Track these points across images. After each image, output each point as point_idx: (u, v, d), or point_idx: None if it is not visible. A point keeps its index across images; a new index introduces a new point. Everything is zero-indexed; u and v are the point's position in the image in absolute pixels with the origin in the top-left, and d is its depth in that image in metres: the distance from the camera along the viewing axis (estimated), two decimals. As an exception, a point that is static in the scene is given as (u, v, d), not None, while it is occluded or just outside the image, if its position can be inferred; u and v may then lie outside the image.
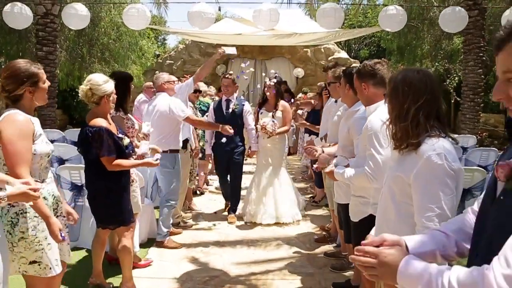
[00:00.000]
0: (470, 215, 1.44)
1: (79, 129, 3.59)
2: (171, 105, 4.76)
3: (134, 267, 4.17)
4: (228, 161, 5.80)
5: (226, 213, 6.09)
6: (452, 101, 14.09)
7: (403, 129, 1.91)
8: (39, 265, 2.52)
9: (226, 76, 5.84)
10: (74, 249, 4.03)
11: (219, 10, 22.45)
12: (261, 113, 5.81)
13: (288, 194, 5.85)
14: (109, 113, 3.53)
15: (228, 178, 5.97)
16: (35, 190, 2.06)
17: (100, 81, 3.32)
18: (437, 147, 1.84)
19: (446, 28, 7.35)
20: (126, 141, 3.47)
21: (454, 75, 14.16)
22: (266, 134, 5.60)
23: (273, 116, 5.66)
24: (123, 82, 3.95)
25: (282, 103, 5.86)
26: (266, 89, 5.81)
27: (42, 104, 2.68)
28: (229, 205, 6.01)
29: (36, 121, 2.59)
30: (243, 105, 5.86)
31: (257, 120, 5.84)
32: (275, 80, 5.78)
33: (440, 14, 7.94)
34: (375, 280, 1.42)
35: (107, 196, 3.44)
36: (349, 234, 3.43)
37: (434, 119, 1.91)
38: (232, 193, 5.97)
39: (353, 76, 3.03)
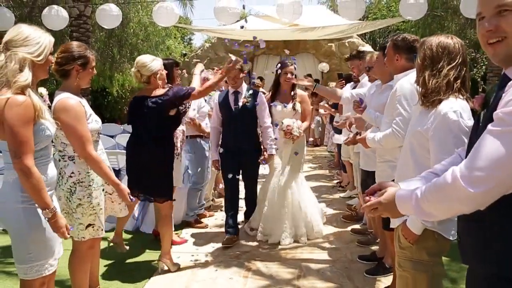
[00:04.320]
0: (463, 152, 1.63)
1: (111, 123, 3.93)
2: None
3: (171, 244, 4.48)
4: (239, 168, 4.67)
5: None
6: (480, 90, 13.95)
7: (434, 86, 2.09)
8: (92, 227, 2.85)
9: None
10: (112, 229, 4.35)
11: (244, 8, 22.62)
12: (275, 106, 4.71)
13: (311, 207, 4.78)
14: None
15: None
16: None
17: (147, 61, 3.61)
18: (454, 105, 2.03)
19: (467, 14, 7.35)
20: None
21: (482, 64, 14.04)
22: (290, 140, 4.53)
23: (294, 108, 4.63)
24: (168, 67, 4.29)
25: (300, 92, 4.80)
26: (285, 75, 4.62)
27: (85, 86, 2.96)
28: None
29: (85, 102, 2.87)
30: (257, 96, 4.61)
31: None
32: (296, 65, 4.70)
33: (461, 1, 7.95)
34: (382, 215, 1.64)
35: (163, 166, 3.66)
36: None
37: (460, 81, 2.10)
38: (247, 204, 4.97)
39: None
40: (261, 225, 4.67)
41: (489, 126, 1.22)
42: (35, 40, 2.17)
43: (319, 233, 4.72)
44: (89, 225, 2.84)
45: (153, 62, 3.62)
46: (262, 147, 4.69)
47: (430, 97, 2.10)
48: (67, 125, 2.67)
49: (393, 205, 1.47)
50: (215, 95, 5.17)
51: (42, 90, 7.98)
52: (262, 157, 4.61)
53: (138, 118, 3.68)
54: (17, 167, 2.10)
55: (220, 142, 4.73)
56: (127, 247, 4.14)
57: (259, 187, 4.95)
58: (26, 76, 2.10)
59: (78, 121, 2.68)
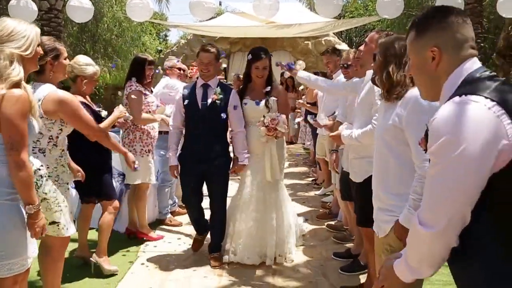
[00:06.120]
0: None
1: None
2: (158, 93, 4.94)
3: (147, 240, 4.49)
4: (203, 179, 3.98)
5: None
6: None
7: (400, 79, 2.11)
8: (57, 225, 2.74)
9: (207, 48, 3.81)
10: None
11: (220, 4, 22.53)
12: (245, 103, 4.01)
13: (289, 222, 4.14)
14: (86, 96, 3.63)
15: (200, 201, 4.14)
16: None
17: (81, 61, 3.53)
18: None
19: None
20: (104, 113, 3.73)
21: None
22: (273, 138, 3.87)
23: (267, 106, 3.93)
24: (140, 64, 4.35)
25: (274, 85, 4.11)
26: (257, 70, 3.93)
27: (61, 79, 2.94)
28: (211, 241, 4.12)
29: None
30: (230, 93, 3.92)
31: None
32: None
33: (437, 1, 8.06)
34: None
35: (90, 169, 3.49)
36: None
37: None
38: (213, 224, 4.08)
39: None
40: (230, 243, 4.02)
41: (428, 167, 1.32)
42: (21, 34, 2.12)
43: (289, 258, 4.03)
44: (54, 222, 2.71)
45: (87, 66, 3.52)
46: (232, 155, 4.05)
47: (395, 91, 2.12)
48: (71, 115, 2.83)
49: (396, 278, 1.44)
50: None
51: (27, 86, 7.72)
52: (232, 168, 3.99)
53: None
54: (13, 159, 2.07)
55: (181, 146, 4.10)
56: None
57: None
58: (17, 71, 2.09)
59: (80, 109, 2.90)
